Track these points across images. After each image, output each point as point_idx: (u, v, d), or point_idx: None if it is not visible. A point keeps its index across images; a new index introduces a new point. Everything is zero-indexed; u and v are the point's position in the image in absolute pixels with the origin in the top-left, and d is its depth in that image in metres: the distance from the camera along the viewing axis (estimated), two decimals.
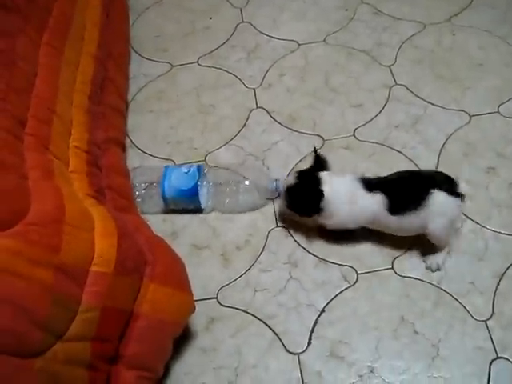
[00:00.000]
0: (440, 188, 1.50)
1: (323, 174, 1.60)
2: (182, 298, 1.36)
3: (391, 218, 1.54)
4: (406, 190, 1.55)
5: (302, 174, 1.63)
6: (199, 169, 1.75)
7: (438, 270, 1.61)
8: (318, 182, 1.58)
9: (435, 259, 1.61)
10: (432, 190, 1.49)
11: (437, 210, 1.50)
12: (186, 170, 1.74)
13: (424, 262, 1.63)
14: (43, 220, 1.08)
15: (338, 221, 1.61)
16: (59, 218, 1.10)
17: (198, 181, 1.72)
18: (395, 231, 1.62)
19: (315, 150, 1.68)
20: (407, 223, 1.54)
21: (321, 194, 1.55)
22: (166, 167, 1.76)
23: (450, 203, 1.51)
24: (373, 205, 1.55)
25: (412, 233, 1.61)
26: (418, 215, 1.51)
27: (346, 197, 1.57)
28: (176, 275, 1.38)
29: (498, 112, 1.98)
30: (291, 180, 1.63)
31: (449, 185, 1.52)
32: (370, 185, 1.58)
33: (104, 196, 1.49)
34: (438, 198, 1.49)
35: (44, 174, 1.21)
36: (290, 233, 1.71)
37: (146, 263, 1.29)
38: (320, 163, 1.66)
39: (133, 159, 1.93)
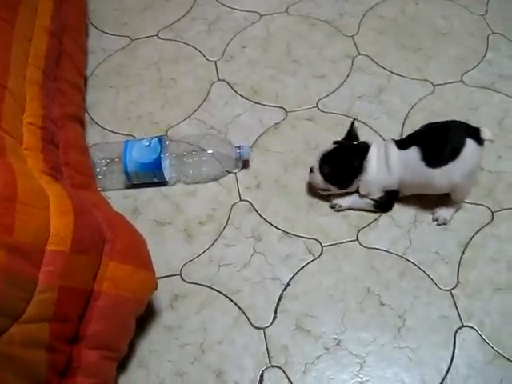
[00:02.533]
0: (472, 137, 1.50)
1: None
2: (144, 275, 1.33)
3: (428, 170, 1.52)
4: (439, 140, 1.53)
5: (339, 143, 1.65)
6: (160, 141, 1.72)
7: (445, 224, 1.63)
8: (356, 149, 1.62)
9: (446, 213, 1.64)
10: (466, 140, 1.49)
11: (469, 159, 1.51)
12: (147, 143, 1.71)
13: (432, 214, 1.65)
14: None
15: (377, 184, 1.61)
16: (11, 196, 1.05)
17: (160, 153, 1.69)
18: (431, 186, 1.57)
19: (353, 123, 1.67)
20: (444, 175, 1.52)
21: (362, 156, 1.59)
22: (126, 141, 1.73)
23: (478, 151, 1.52)
24: (408, 159, 1.55)
25: (444, 188, 1.58)
26: (453, 165, 1.50)
27: (382, 157, 1.59)
28: (136, 252, 1.35)
29: (462, 81, 1.98)
30: (328, 149, 1.64)
31: (476, 132, 1.52)
32: (403, 142, 1.59)
33: (61, 173, 1.45)
34: (471, 147, 1.49)
35: None
36: (253, 206, 1.69)
37: (105, 241, 1.26)
38: (353, 135, 1.66)
39: (93, 136, 1.89)
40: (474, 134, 1.51)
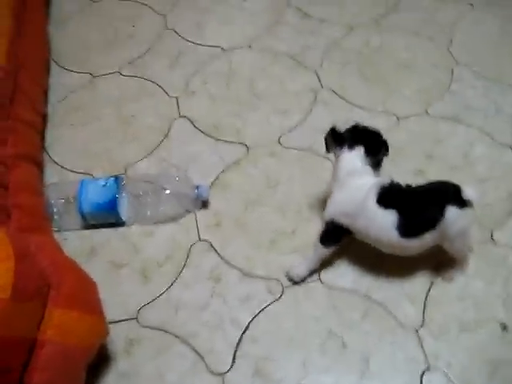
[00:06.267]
0: (452, 202, 1.37)
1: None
2: (92, 322, 1.28)
3: (400, 239, 1.41)
4: (417, 210, 1.42)
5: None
6: (117, 181, 1.68)
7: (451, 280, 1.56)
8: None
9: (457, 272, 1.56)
10: (446, 207, 1.37)
11: (451, 226, 1.39)
12: (103, 183, 1.67)
13: (442, 278, 1.56)
14: None
15: (337, 207, 1.47)
16: None
17: (116, 193, 1.66)
18: (398, 251, 1.49)
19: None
20: (418, 242, 1.43)
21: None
22: (82, 181, 1.69)
23: (463, 215, 1.39)
24: (381, 219, 1.41)
25: (415, 252, 1.49)
26: (431, 234, 1.41)
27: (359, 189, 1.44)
28: (84, 297, 1.30)
29: (427, 113, 1.95)
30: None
31: (458, 196, 1.38)
32: (384, 198, 1.42)
33: (8, 216, 1.40)
34: (452, 214, 1.37)
35: None
36: (212, 246, 1.65)
37: (50, 287, 1.21)
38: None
39: (51, 175, 1.85)
40: (455, 197, 1.38)
